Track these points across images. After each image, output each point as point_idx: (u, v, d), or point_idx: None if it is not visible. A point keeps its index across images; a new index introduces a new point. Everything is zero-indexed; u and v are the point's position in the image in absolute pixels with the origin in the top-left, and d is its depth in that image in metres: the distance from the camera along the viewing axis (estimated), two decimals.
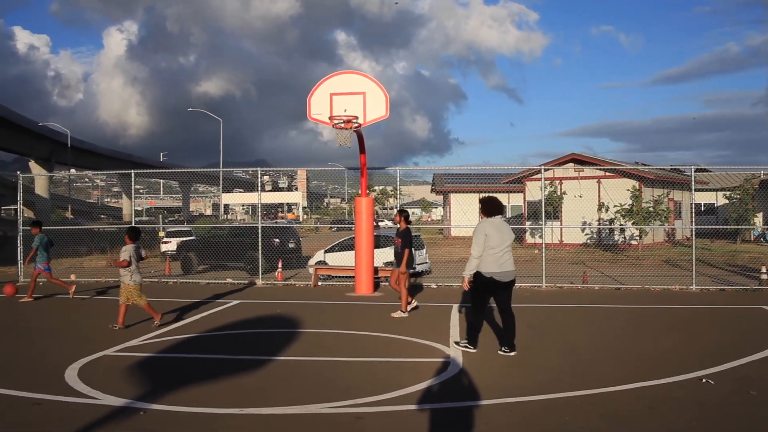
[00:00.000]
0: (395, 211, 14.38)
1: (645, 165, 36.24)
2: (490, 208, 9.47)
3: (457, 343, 9.58)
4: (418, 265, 19.49)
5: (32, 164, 78.93)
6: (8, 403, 6.95)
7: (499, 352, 9.21)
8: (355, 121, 15.06)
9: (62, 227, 29.89)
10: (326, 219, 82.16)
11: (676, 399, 6.88)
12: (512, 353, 9.11)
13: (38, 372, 8.32)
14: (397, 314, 12.60)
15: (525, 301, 14.61)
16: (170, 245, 29.06)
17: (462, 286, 9.29)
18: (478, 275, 9.09)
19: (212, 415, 6.48)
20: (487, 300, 9.41)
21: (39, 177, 72.39)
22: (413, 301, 13.17)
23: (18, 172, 21.58)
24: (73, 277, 19.77)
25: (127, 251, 11.38)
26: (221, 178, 58.36)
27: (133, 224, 19.54)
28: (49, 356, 9.23)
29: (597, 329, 11.26)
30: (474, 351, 9.22)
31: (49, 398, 7.09)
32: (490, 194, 10.38)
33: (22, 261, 19.65)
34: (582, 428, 6.07)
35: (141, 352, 9.42)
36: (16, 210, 28.71)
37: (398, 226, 13.41)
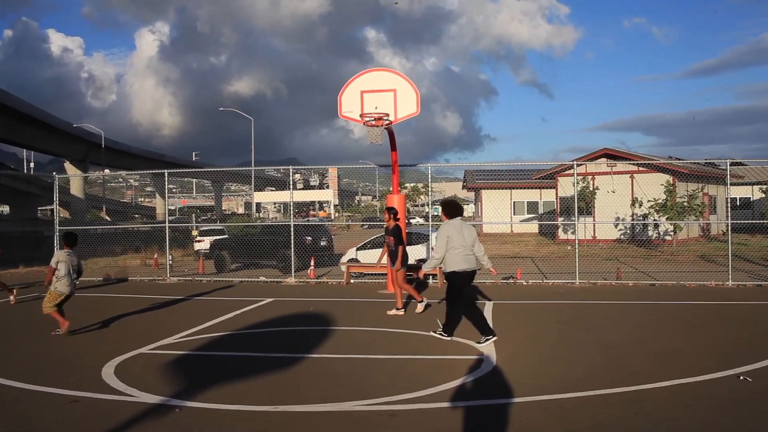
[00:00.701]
0: (426, 209, 14.36)
1: (679, 159, 35.81)
2: (451, 210, 10.29)
3: (479, 342, 9.61)
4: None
5: (67, 165, 79.99)
6: (47, 401, 7.05)
7: (478, 343, 9.54)
8: (386, 118, 15.04)
9: (97, 227, 30.22)
10: (358, 216, 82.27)
11: (712, 396, 6.80)
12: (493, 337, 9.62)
13: (76, 369, 8.43)
14: (392, 312, 12.58)
15: (558, 297, 14.54)
16: (203, 244, 29.30)
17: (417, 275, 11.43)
18: (453, 274, 9.89)
19: (247, 412, 6.52)
20: (461, 293, 10.07)
21: (74, 178, 73.31)
22: (423, 299, 12.92)
23: (54, 173, 21.86)
24: (111, 276, 20.02)
25: (55, 256, 10.96)
26: (253, 177, 58.76)
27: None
28: (86, 354, 9.34)
29: (631, 326, 11.14)
30: (495, 338, 9.61)
31: (88, 395, 7.18)
32: (450, 197, 11.17)
33: None
34: (617, 426, 6.02)
35: (175, 350, 9.50)
36: (52, 210, 29.09)
37: (397, 223, 13.33)
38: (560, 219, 34.79)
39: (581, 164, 26.87)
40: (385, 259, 14.36)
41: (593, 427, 6.00)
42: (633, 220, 32.14)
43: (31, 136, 65.20)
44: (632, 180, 33.82)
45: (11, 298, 14.69)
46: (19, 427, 6.25)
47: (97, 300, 15.34)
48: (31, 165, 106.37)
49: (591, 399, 6.79)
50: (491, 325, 10.76)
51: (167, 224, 20.20)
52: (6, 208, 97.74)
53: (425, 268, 10.78)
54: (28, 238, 42.32)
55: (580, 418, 6.24)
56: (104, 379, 7.89)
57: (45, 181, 67.27)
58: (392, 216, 13.32)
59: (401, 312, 12.54)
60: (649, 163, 31.40)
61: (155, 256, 25.89)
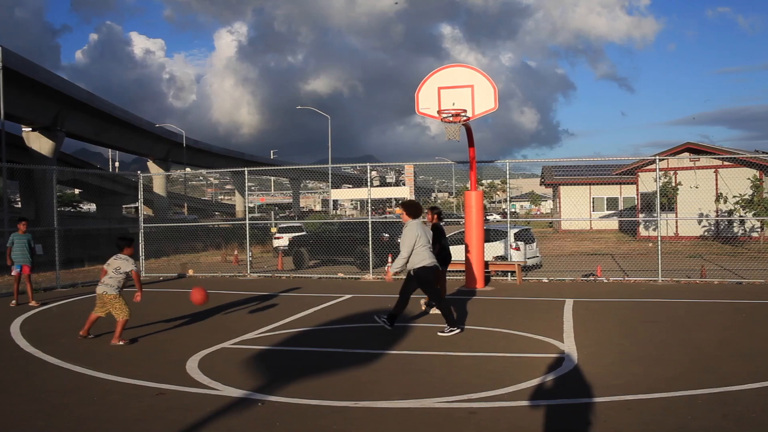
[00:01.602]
0: (503, 205, 14.27)
1: (766, 153, 34.64)
2: (415, 210, 10.86)
3: (442, 331, 10.19)
4: (529, 259, 19.29)
5: (150, 164, 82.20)
6: (134, 393, 7.26)
7: (441, 333, 10.18)
8: (463, 114, 14.97)
9: (180, 224, 30.90)
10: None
11: None
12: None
13: (162, 363, 8.65)
14: (435, 310, 12.34)
15: (641, 295, 14.24)
16: (282, 241, 29.67)
17: (387, 278, 12.16)
18: (423, 271, 10.33)
19: (328, 408, 6.58)
20: (434, 285, 10.60)
21: (157, 176, 75.27)
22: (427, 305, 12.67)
23: (138, 172, 22.45)
24: (191, 272, 20.46)
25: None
26: (330, 174, 59.29)
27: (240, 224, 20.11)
28: (171, 348, 9.57)
29: (718, 325, 10.84)
30: (460, 331, 10.22)
31: (172, 388, 7.37)
32: (410, 199, 11.58)
33: (143, 257, 20.45)
34: (704, 429, 5.86)
35: (257, 345, 9.65)
36: (136, 208, 29.92)
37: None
38: (641, 215, 34.08)
39: (663, 159, 26.21)
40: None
41: (679, 429, 5.86)
42: (717, 216, 31.29)
43: (116, 137, 67.17)
44: (716, 175, 32.90)
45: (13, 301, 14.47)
46: (110, 417, 6.45)
47: (179, 296, 15.68)
48: (116, 164, 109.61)
49: (677, 400, 6.64)
50: (572, 324, 10.65)
51: (247, 221, 20.54)
52: (93, 206, 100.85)
53: (393, 269, 10.82)
54: (114, 235, 43.51)
55: (665, 419, 6.10)
56: (189, 372, 8.08)
57: (129, 179, 69.25)
58: (436, 215, 13.16)
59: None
60: (734, 158, 30.47)
61: (235, 252, 26.36)
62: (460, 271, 17.17)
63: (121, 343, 9.76)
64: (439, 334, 10.15)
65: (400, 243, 10.62)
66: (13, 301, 14.16)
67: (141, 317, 12.36)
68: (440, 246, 12.65)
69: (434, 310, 12.37)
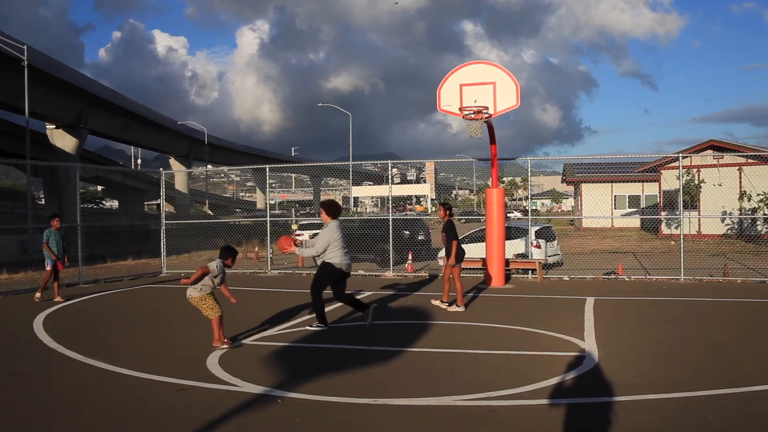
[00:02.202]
0: (524, 203, 14.21)
1: None
2: (335, 211, 10.97)
3: (310, 326, 10.70)
4: (549, 257, 19.22)
5: (172, 161, 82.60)
6: (156, 388, 7.32)
7: (309, 327, 10.63)
8: (485, 111, 14.93)
9: (201, 221, 31.06)
10: (455, 211, 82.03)
11: None
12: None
13: (183, 359, 8.70)
14: (453, 308, 12.40)
15: (663, 294, 14.15)
16: (303, 237, 29.72)
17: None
18: (329, 266, 10.52)
19: (347, 404, 6.59)
20: (326, 287, 10.68)
21: (179, 173, 75.64)
22: (447, 303, 12.68)
23: (161, 169, 22.59)
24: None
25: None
26: (351, 172, 59.31)
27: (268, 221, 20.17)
28: (191, 344, 9.62)
29: (740, 324, 10.75)
30: (326, 328, 10.54)
31: (193, 384, 7.41)
32: (330, 198, 11.78)
33: (165, 253, 20.58)
34: (725, 429, 5.81)
35: (277, 342, 9.69)
36: (158, 205, 30.12)
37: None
38: (663, 213, 33.83)
39: (686, 156, 26.00)
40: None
41: (700, 429, 5.82)
42: (741, 214, 30.99)
43: (138, 134, 67.54)
44: (740, 173, 32.59)
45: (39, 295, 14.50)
46: (132, 412, 6.49)
47: None
48: (138, 161, 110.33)
49: (698, 399, 6.59)
50: (592, 322, 10.62)
51: (268, 218, 20.60)
52: (115, 203, 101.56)
53: (298, 253, 10.79)
54: (136, 232, 43.86)
55: (686, 419, 6.06)
56: (209, 368, 8.12)
57: (152, 176, 69.53)
58: (447, 212, 13.12)
59: (461, 308, 12.39)
60: (758, 155, 30.17)
61: (256, 249, 26.44)
62: (480, 268, 17.15)
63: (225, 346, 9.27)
64: (308, 327, 10.65)
65: (318, 237, 10.72)
66: (38, 295, 14.27)
67: (162, 314, 12.46)
68: (457, 242, 12.62)
69: (453, 308, 12.38)
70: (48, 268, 14.33)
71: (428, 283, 16.96)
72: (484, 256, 16.56)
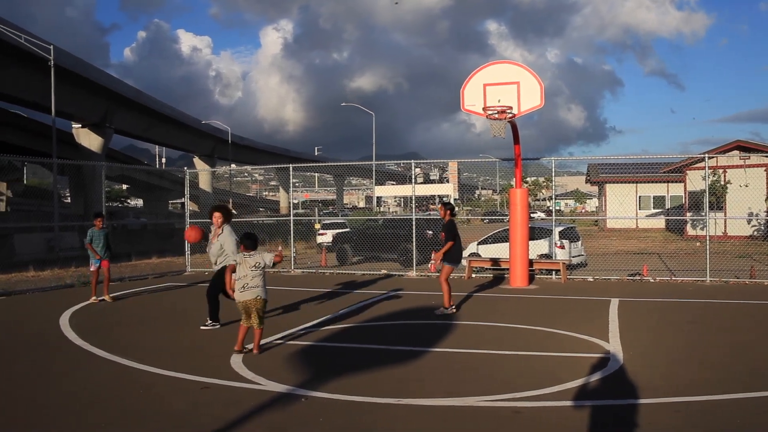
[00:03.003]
0: (547, 203, 14.12)
1: None
2: (230, 215, 11.41)
3: (204, 324, 10.79)
4: (573, 257, 19.13)
5: (196, 160, 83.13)
6: (180, 386, 7.36)
7: (203, 326, 10.75)
8: (509, 111, 14.87)
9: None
10: (478, 211, 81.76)
11: None
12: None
13: (207, 357, 8.74)
14: (440, 311, 12.10)
15: (689, 296, 14.03)
16: (326, 237, 29.78)
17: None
18: (226, 269, 10.01)
19: (371, 404, 6.58)
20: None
21: (203, 172, 76.04)
22: (452, 308, 12.29)
23: (185, 168, 22.72)
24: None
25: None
26: (374, 171, 59.20)
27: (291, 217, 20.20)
28: (215, 343, 9.67)
29: (767, 327, 10.64)
30: (217, 327, 10.71)
31: (217, 382, 7.44)
32: (222, 203, 11.81)
33: (189, 252, 20.68)
34: None
35: (300, 341, 9.70)
36: (182, 204, 30.25)
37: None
38: (689, 214, 33.55)
39: (712, 157, 25.75)
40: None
41: None
42: None
43: (163, 133, 68.11)
44: (767, 173, 32.25)
45: (106, 298, 14.14)
46: (155, 410, 6.53)
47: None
48: (163, 160, 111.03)
49: (724, 403, 6.52)
50: (617, 323, 10.57)
51: (291, 217, 20.65)
52: (140, 202, 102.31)
53: (227, 266, 10.22)
54: (160, 230, 44.18)
55: (712, 422, 6.00)
56: (233, 367, 8.15)
57: (176, 175, 69.99)
58: (448, 211, 12.90)
59: (450, 310, 12.13)
60: None
61: (279, 248, 26.52)
62: (504, 269, 17.09)
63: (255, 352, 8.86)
64: (201, 327, 10.72)
65: (223, 245, 10.89)
66: (93, 297, 14.00)
67: (186, 312, 12.54)
68: (453, 243, 12.33)
69: (440, 311, 12.13)
70: (92, 268, 14.09)
71: (451, 282, 16.89)
72: (497, 256, 16.51)
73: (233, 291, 8.98)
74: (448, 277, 12.40)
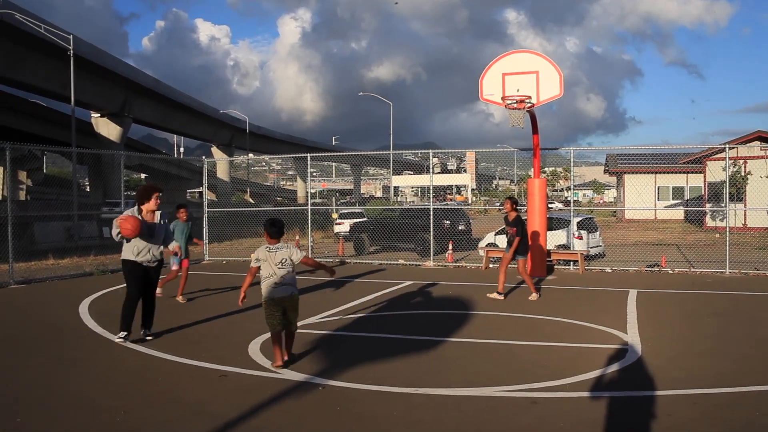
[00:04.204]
0: (565, 193, 14.11)
1: None
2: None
3: (117, 336, 8.99)
4: (591, 248, 19.06)
5: (214, 149, 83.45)
6: (199, 374, 7.41)
7: (117, 336, 9.00)
8: (528, 101, 14.81)
9: (243, 209, 31.29)
10: (495, 201, 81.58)
11: None
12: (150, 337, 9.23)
13: (225, 346, 8.78)
14: (494, 295, 12.56)
15: (708, 287, 13.94)
16: (343, 227, 29.82)
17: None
18: (125, 263, 9.22)
19: (389, 393, 6.60)
20: (136, 284, 9.22)
21: (220, 161, 76.31)
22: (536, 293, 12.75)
23: (203, 157, 22.81)
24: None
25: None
26: (391, 161, 59.21)
27: (308, 207, 20.24)
28: (234, 331, 9.72)
29: None
30: (127, 334, 8.98)
31: (235, 371, 7.49)
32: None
33: (207, 240, 20.76)
34: None
35: (318, 330, 9.72)
36: (200, 193, 30.38)
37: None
38: (708, 205, 33.31)
39: (733, 147, 25.54)
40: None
41: (745, 425, 5.73)
42: None
43: (181, 123, 68.35)
44: None
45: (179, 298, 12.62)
46: (174, 397, 6.58)
47: (243, 280, 15.86)
48: (181, 150, 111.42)
49: (744, 395, 6.48)
50: (635, 314, 10.52)
51: (309, 207, 20.68)
52: None
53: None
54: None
55: (731, 415, 5.96)
56: (251, 355, 8.20)
57: (194, 165, 70.32)
58: (514, 205, 12.99)
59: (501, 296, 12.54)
60: None
61: (297, 238, 26.59)
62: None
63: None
64: (116, 339, 8.96)
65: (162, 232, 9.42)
66: (180, 297, 12.62)
67: (204, 300, 12.60)
68: (522, 238, 12.73)
69: (494, 295, 12.45)
70: (174, 267, 12.66)
71: (468, 273, 16.91)
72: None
73: (244, 295, 8.11)
74: (507, 265, 12.94)
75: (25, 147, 17.52)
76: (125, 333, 8.95)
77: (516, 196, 20.19)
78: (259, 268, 7.89)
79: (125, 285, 9.31)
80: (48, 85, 43.97)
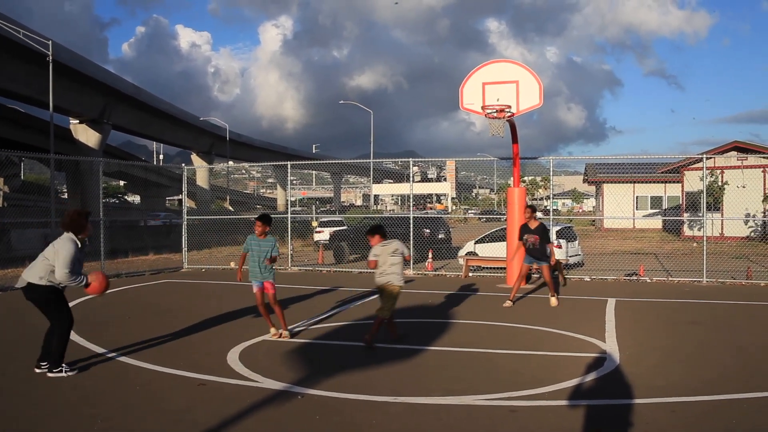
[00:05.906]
0: (544, 203, 14.27)
1: None
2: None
3: (48, 369, 7.78)
4: (570, 257, 19.14)
5: (194, 157, 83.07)
6: (177, 383, 7.36)
7: (47, 369, 7.81)
8: (507, 110, 14.86)
9: (222, 216, 31.21)
10: (475, 210, 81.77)
11: None
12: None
13: (203, 354, 8.74)
14: (554, 301, 12.92)
15: (686, 296, 14.04)
16: (323, 235, 29.79)
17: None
18: (50, 289, 7.71)
19: (368, 402, 6.59)
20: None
21: (200, 169, 75.94)
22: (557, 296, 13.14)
23: (183, 165, 22.71)
24: (232, 264, 20.56)
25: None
26: (372, 169, 59.21)
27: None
28: (212, 339, 9.67)
29: (764, 327, 10.65)
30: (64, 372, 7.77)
31: (214, 379, 7.45)
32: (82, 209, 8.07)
33: (186, 248, 20.66)
34: None
35: (298, 338, 9.70)
36: (179, 200, 30.24)
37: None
38: (686, 215, 33.58)
39: (710, 158, 25.77)
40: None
41: None
42: (765, 216, 30.71)
43: (161, 130, 67.98)
44: (765, 174, 32.31)
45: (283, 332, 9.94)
46: (152, 406, 6.53)
47: (223, 288, 15.81)
48: (161, 157, 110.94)
49: (722, 403, 6.52)
50: (614, 323, 10.57)
51: (289, 215, 20.62)
52: (137, 198, 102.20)
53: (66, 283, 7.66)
54: (157, 227, 44.13)
55: (710, 422, 6.01)
56: (230, 364, 8.16)
57: (173, 172, 70.03)
58: (534, 213, 13.43)
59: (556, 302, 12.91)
60: None
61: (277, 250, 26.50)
62: (501, 268, 17.09)
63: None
64: (49, 374, 7.70)
65: (56, 256, 7.59)
66: (272, 330, 9.99)
67: (183, 309, 12.53)
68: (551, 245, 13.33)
69: (554, 300, 12.90)
70: (255, 290, 9.91)
71: (448, 281, 16.93)
72: (494, 255, 16.55)
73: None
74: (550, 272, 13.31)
75: (2, 153, 17.36)
76: (66, 365, 7.81)
77: (496, 205, 20.19)
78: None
79: (53, 317, 7.93)
80: (27, 91, 43.59)
